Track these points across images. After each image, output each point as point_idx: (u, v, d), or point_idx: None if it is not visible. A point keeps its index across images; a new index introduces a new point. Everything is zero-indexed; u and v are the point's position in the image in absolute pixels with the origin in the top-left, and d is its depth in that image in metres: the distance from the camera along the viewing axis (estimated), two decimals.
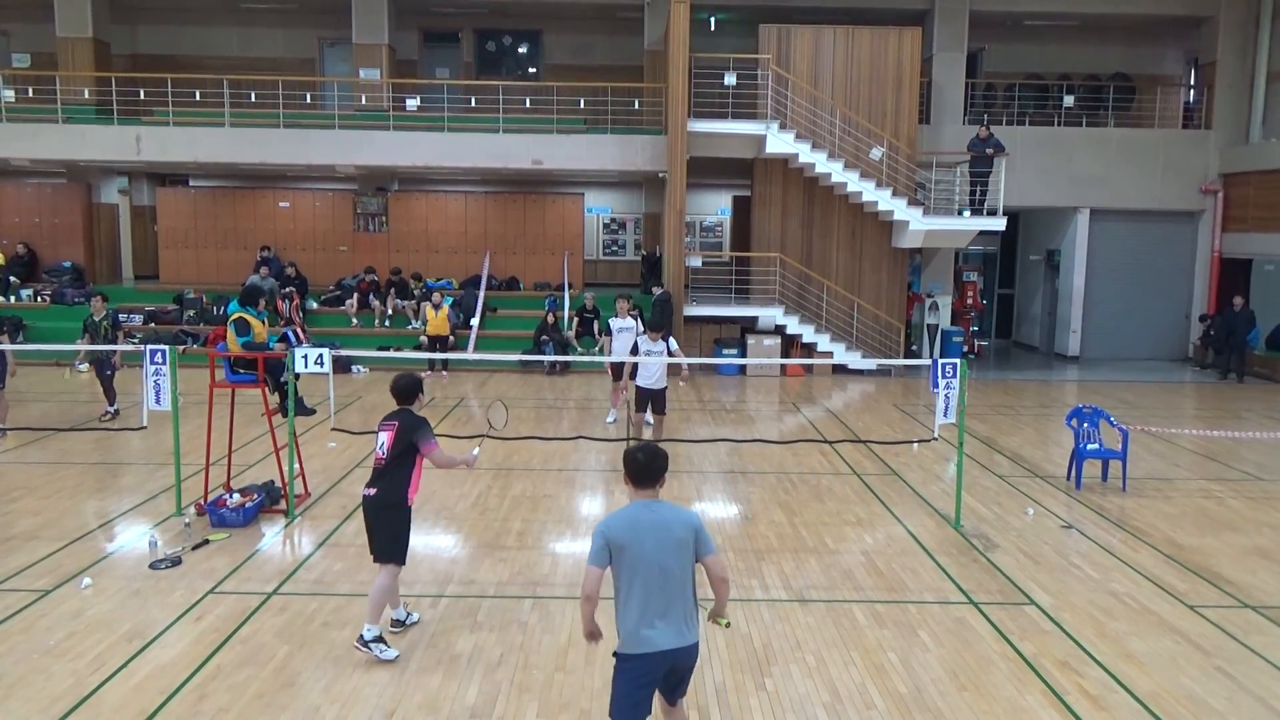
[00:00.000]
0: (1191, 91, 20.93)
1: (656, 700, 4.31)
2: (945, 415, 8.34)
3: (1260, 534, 8.52)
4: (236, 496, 8.34)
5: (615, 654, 4.16)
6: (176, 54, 21.60)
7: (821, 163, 17.01)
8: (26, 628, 6.09)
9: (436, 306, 17.19)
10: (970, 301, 20.51)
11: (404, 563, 6.00)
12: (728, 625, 4.51)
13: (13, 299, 19.12)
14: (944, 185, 18.15)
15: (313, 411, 12.59)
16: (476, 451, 6.22)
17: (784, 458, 10.94)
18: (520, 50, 22.76)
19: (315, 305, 19.11)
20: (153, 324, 18.41)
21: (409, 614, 6.27)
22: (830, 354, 17.45)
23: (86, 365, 16.07)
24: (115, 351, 11.98)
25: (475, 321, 18.33)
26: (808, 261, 18.02)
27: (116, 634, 6.01)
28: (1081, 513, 9.08)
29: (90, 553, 7.46)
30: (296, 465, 8.70)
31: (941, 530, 8.46)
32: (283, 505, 8.53)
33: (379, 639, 5.74)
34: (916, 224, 17.06)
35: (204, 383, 8.59)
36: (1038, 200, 19.49)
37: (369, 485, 5.84)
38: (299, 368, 8.21)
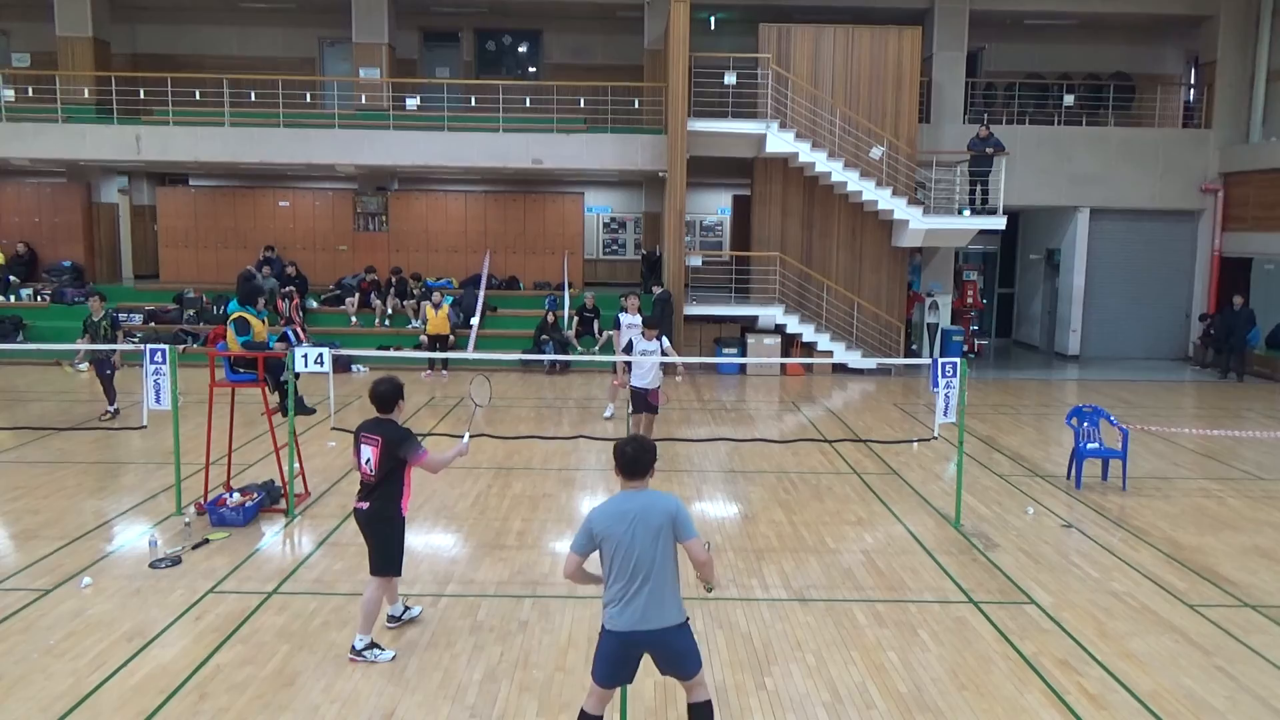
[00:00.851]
0: (1191, 91, 20.92)
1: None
2: (945, 414, 8.34)
3: (1260, 533, 8.52)
4: (236, 496, 8.34)
5: (602, 627, 4.39)
6: (176, 54, 21.60)
7: (821, 162, 17.01)
8: (26, 627, 6.09)
9: (436, 306, 17.19)
10: (970, 301, 20.51)
11: (399, 574, 5.98)
12: (710, 590, 4.67)
13: (13, 298, 19.12)
14: (944, 184, 18.14)
15: (313, 411, 12.59)
16: (467, 438, 6.09)
17: (784, 457, 10.94)
18: (520, 50, 22.76)
19: (315, 304, 19.11)
20: (153, 323, 18.41)
21: (406, 608, 6.26)
22: (830, 353, 17.45)
23: (86, 365, 16.08)
24: (115, 351, 11.98)
25: (475, 321, 18.32)
26: (808, 261, 18.02)
27: (116, 633, 6.01)
28: (1081, 512, 9.08)
29: (90, 552, 7.46)
30: (296, 464, 8.70)
31: (941, 529, 8.46)
32: (283, 504, 8.53)
33: (371, 646, 5.73)
34: (916, 223, 17.06)
35: (204, 382, 8.58)
36: (1037, 199, 19.49)
37: (360, 499, 5.75)
38: (299, 367, 8.21)
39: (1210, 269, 19.85)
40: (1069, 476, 10.09)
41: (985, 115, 18.67)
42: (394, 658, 5.75)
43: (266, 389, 9.03)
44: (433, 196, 21.09)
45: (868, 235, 18.07)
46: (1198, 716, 5.25)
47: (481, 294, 19.03)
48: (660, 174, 18.74)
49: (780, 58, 17.37)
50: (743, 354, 17.27)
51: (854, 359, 17.37)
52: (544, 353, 16.97)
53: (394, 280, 18.99)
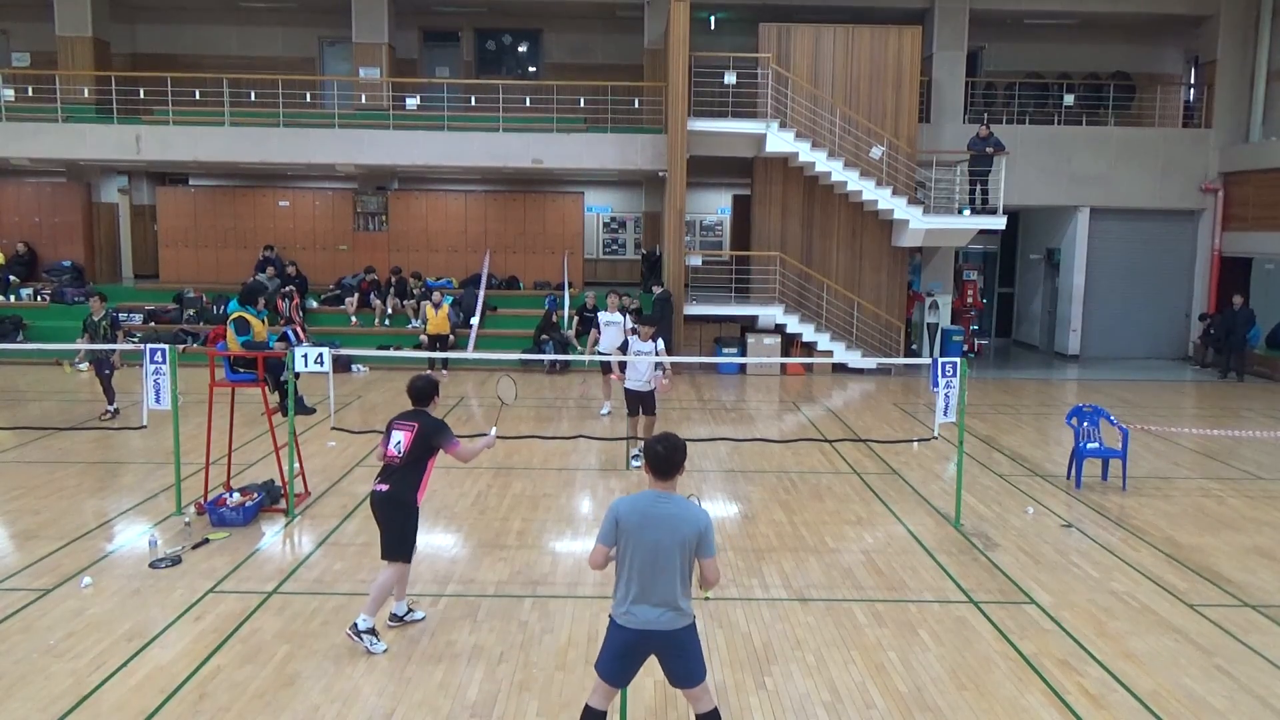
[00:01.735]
0: (1192, 90, 20.92)
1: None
2: (945, 414, 8.34)
3: (1260, 533, 8.52)
4: (236, 495, 8.34)
5: (611, 620, 4.41)
6: (176, 53, 21.60)
7: (821, 162, 17.00)
8: (26, 627, 6.09)
9: (436, 305, 17.18)
10: (970, 300, 20.51)
11: (410, 560, 6.08)
12: (707, 599, 4.88)
13: (13, 298, 19.12)
14: (944, 184, 18.14)
15: (313, 411, 12.60)
16: (494, 433, 6.56)
17: (784, 457, 10.94)
18: (520, 49, 22.75)
19: (315, 304, 19.11)
20: (153, 323, 18.41)
21: (410, 610, 6.27)
22: (830, 353, 17.45)
23: (87, 364, 16.08)
24: (114, 351, 11.97)
25: (475, 321, 18.32)
26: (808, 260, 18.02)
27: (116, 633, 6.01)
28: (1081, 512, 9.08)
29: (90, 552, 7.46)
30: (296, 464, 8.70)
31: (941, 529, 8.46)
32: (283, 504, 8.53)
33: (372, 631, 5.80)
34: (916, 223, 17.05)
35: (204, 382, 8.58)
36: (1037, 199, 19.49)
37: (380, 480, 5.91)
38: (299, 367, 8.21)
39: (1210, 269, 19.85)
40: (1069, 476, 10.09)
41: (985, 115, 18.66)
42: (385, 651, 5.78)
43: (266, 389, 9.03)
44: (433, 196, 21.09)
45: (868, 235, 18.07)
46: (1198, 716, 5.26)
47: (481, 294, 19.03)
48: (660, 174, 18.73)
49: (780, 57, 17.37)
50: (743, 354, 17.27)
51: (854, 359, 17.37)
52: (544, 353, 16.97)
53: (394, 280, 18.99)
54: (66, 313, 17.99)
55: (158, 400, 8.21)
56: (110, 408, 12.27)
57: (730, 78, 17.16)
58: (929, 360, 8.84)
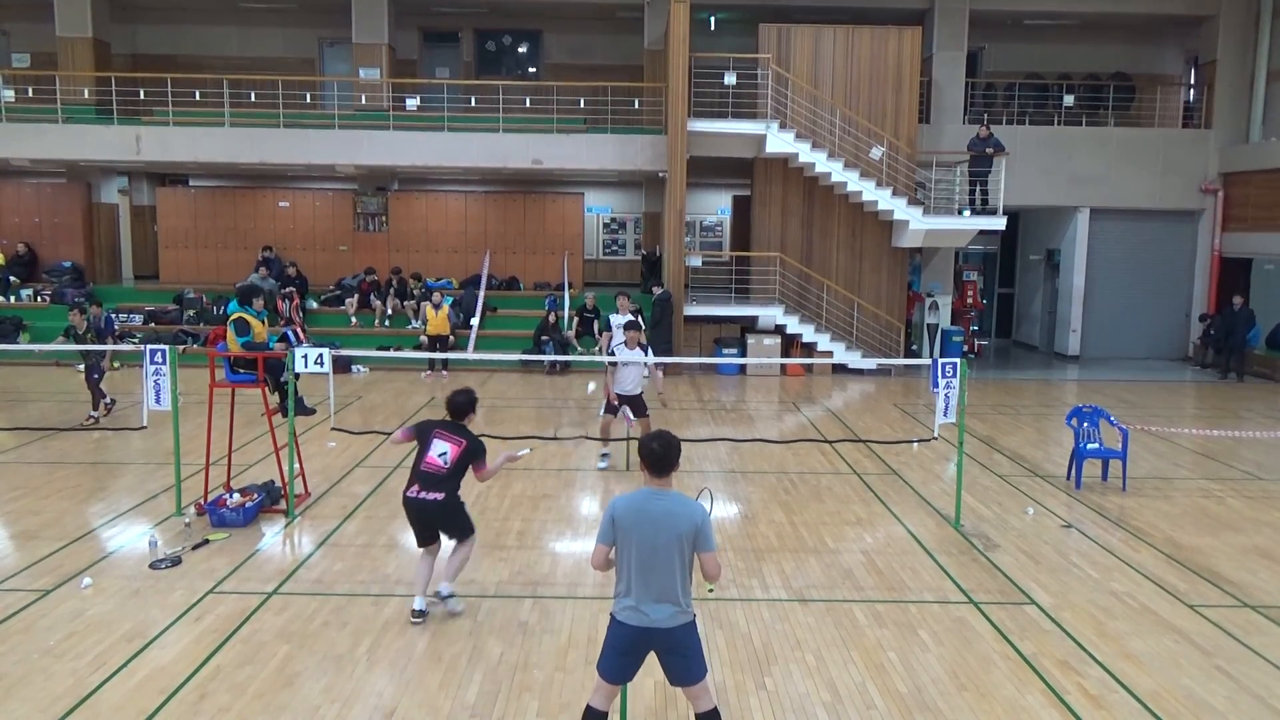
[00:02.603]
0: (1191, 91, 20.92)
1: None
2: (945, 415, 8.34)
3: (1260, 533, 8.52)
4: (236, 496, 8.34)
5: (611, 616, 4.45)
6: (176, 54, 21.60)
7: (821, 162, 17.00)
8: (26, 628, 6.09)
9: (436, 306, 17.19)
10: (970, 301, 20.50)
11: (475, 531, 6.54)
12: (711, 591, 5.27)
13: (13, 299, 19.12)
14: (944, 185, 18.14)
15: (313, 411, 12.59)
16: (526, 450, 7.11)
17: (784, 457, 10.94)
18: (520, 50, 22.76)
19: (315, 305, 19.11)
20: (153, 324, 18.41)
21: (454, 594, 6.49)
22: (830, 353, 17.45)
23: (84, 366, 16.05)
24: (104, 355, 11.93)
25: (475, 321, 18.32)
26: (808, 261, 18.02)
27: (116, 634, 6.02)
28: (1081, 512, 9.08)
29: (90, 553, 7.47)
30: (296, 465, 8.70)
31: (941, 530, 8.46)
32: (283, 505, 8.53)
33: (453, 595, 6.41)
34: (916, 223, 17.05)
35: (204, 382, 8.58)
36: (1038, 200, 19.49)
37: (428, 489, 6.13)
38: (299, 367, 8.21)
39: (1210, 269, 19.85)
40: (1069, 477, 10.09)
41: (985, 115, 18.66)
42: (462, 611, 6.37)
43: (266, 389, 9.03)
44: (433, 197, 21.09)
45: (868, 235, 18.07)
46: (1198, 716, 5.26)
47: (481, 294, 19.03)
48: (660, 174, 18.73)
49: (780, 58, 17.37)
50: (743, 354, 17.26)
51: (854, 359, 17.37)
52: (544, 353, 16.97)
53: (394, 281, 18.99)
54: (66, 314, 17.89)
55: (158, 401, 8.21)
56: (94, 414, 12.19)
57: (730, 78, 17.16)
58: (929, 361, 8.85)
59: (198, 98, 19.09)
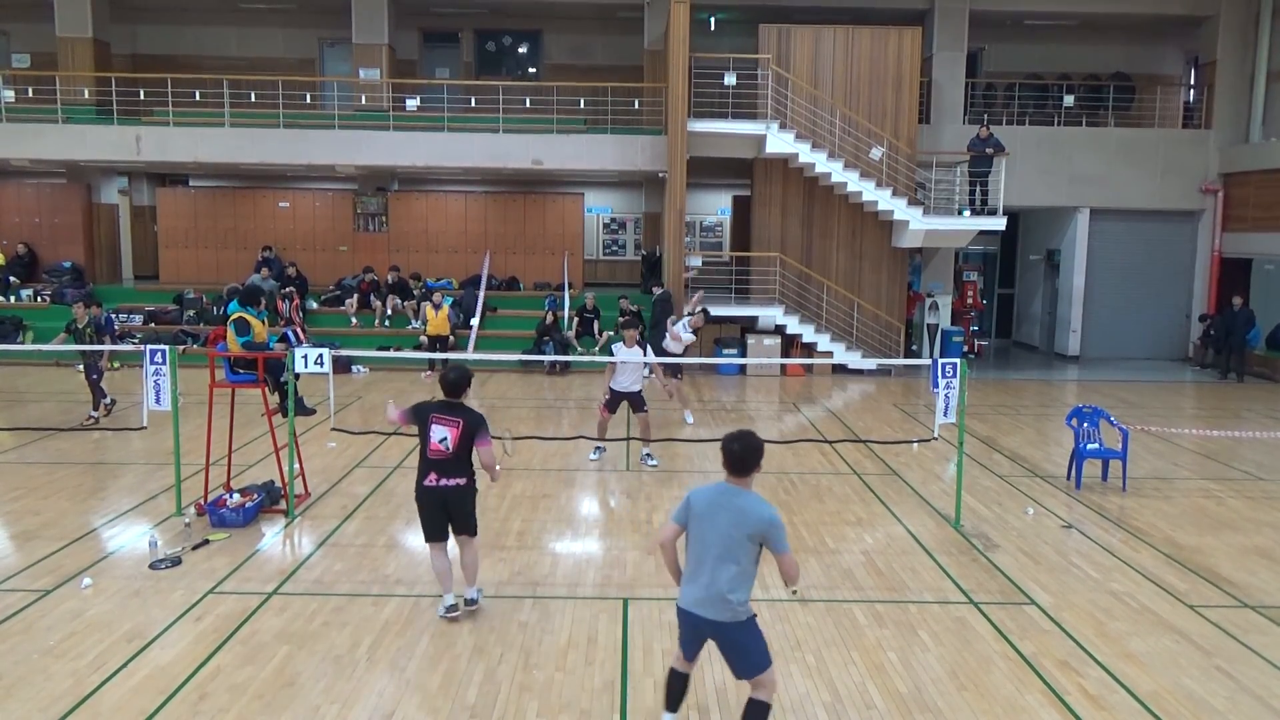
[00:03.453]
0: (1191, 91, 20.93)
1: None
2: (945, 415, 8.34)
3: (1260, 533, 8.52)
4: (236, 496, 8.34)
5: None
6: (176, 54, 21.61)
7: (821, 162, 17.01)
8: (26, 628, 6.09)
9: (436, 306, 17.19)
10: (970, 301, 20.51)
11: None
12: (795, 593, 5.80)
13: (13, 299, 19.12)
14: (944, 185, 18.15)
15: (313, 411, 12.59)
16: (507, 434, 7.07)
17: (784, 457, 10.94)
18: (520, 50, 22.77)
19: (315, 305, 19.11)
20: (153, 324, 18.41)
21: (479, 592, 6.61)
22: (830, 354, 17.45)
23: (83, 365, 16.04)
24: (102, 355, 11.92)
25: (475, 321, 18.33)
26: (808, 261, 18.02)
27: (116, 634, 6.01)
28: (1081, 512, 9.08)
29: (90, 553, 7.47)
30: (296, 465, 8.70)
31: (941, 530, 8.46)
32: (283, 505, 8.53)
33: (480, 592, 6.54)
34: (916, 224, 17.06)
35: (204, 383, 8.58)
36: (1038, 200, 19.49)
37: (446, 476, 6.13)
38: (299, 368, 8.21)
39: (1210, 269, 19.85)
40: (1069, 477, 10.09)
41: (985, 115, 18.67)
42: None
43: (266, 390, 9.03)
44: (433, 197, 21.09)
45: (868, 235, 18.07)
46: (1198, 717, 5.26)
47: (481, 294, 19.03)
48: (660, 174, 18.74)
49: (780, 58, 17.37)
50: (743, 354, 17.26)
51: (854, 359, 17.37)
52: (544, 353, 16.97)
53: (392, 280, 18.96)
54: (66, 314, 17.79)
55: (158, 401, 8.21)
56: (94, 414, 12.19)
57: (730, 79, 17.16)
58: (929, 361, 8.84)
59: (198, 98, 19.09)
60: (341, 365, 16.08)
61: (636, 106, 19.65)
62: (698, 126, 16.98)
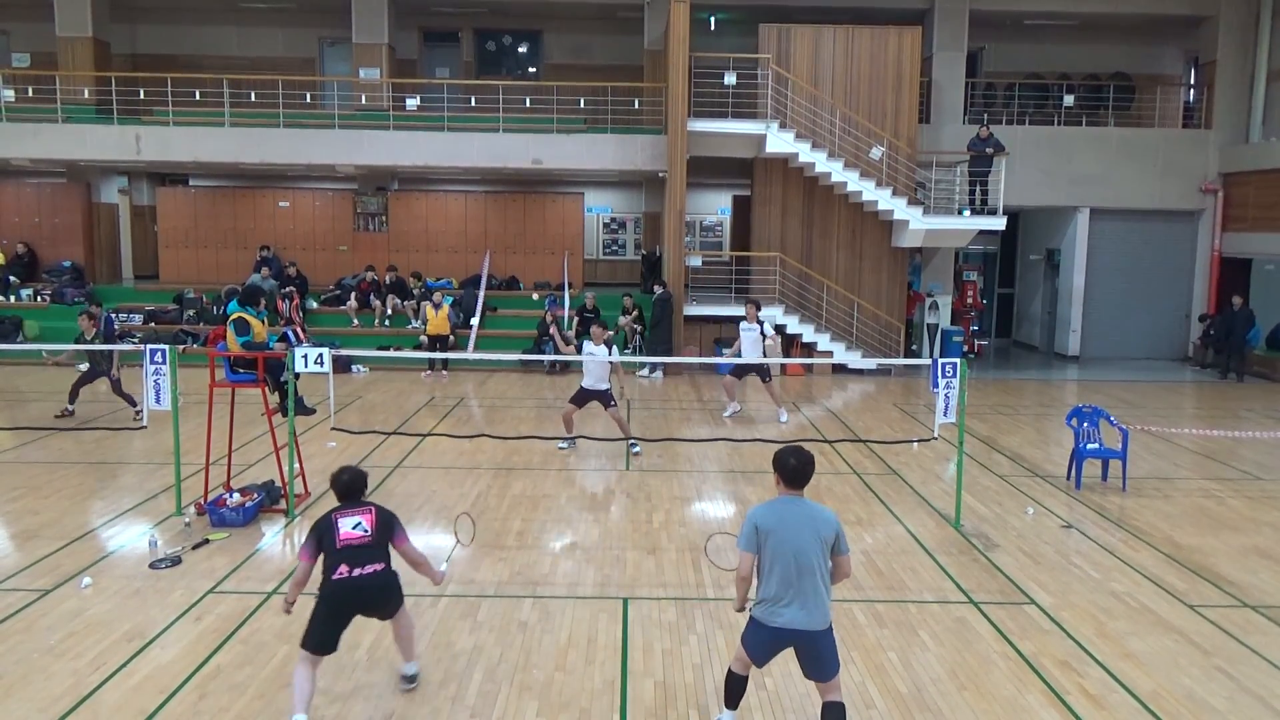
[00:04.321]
0: (1191, 91, 20.93)
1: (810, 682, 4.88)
2: (945, 415, 8.34)
3: (1260, 533, 8.52)
4: (236, 496, 8.34)
5: (750, 613, 4.72)
6: (176, 54, 21.61)
7: (821, 162, 17.00)
8: (26, 627, 6.10)
9: (437, 306, 17.19)
10: (970, 301, 20.51)
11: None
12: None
13: (13, 299, 19.12)
14: (944, 185, 18.14)
15: (313, 411, 12.59)
16: (445, 568, 5.77)
17: None
18: (520, 50, 22.76)
19: (315, 305, 19.11)
20: (153, 324, 18.41)
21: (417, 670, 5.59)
22: (830, 353, 17.45)
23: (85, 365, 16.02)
24: (113, 363, 11.98)
25: (475, 321, 18.33)
26: (808, 261, 18.02)
27: (116, 633, 6.02)
28: (1081, 512, 9.08)
29: (90, 552, 7.47)
30: (296, 465, 8.70)
31: (941, 530, 8.46)
32: (283, 505, 8.53)
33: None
34: (916, 223, 17.05)
35: (204, 382, 8.59)
36: (1038, 200, 19.49)
37: (361, 564, 5.04)
38: (299, 367, 8.21)
39: (1210, 269, 19.85)
40: (1069, 477, 10.09)
41: (985, 115, 18.67)
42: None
43: (266, 389, 9.03)
44: (433, 196, 21.09)
45: (868, 235, 18.07)
46: (1198, 716, 5.26)
47: (481, 294, 19.03)
48: (660, 174, 18.73)
49: (780, 58, 17.37)
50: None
51: (854, 359, 17.36)
52: (544, 353, 16.97)
53: (390, 280, 18.94)
54: (66, 313, 17.97)
55: (158, 401, 8.21)
56: (69, 407, 12.25)
57: (730, 78, 17.15)
58: (929, 361, 8.85)
59: (198, 98, 19.10)
60: (341, 365, 16.08)
61: (636, 106, 19.65)
62: (698, 126, 16.98)
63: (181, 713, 5.11)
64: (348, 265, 20.43)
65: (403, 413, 13.14)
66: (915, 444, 11.59)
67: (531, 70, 22.59)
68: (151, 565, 7.17)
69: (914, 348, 19.25)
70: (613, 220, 24.61)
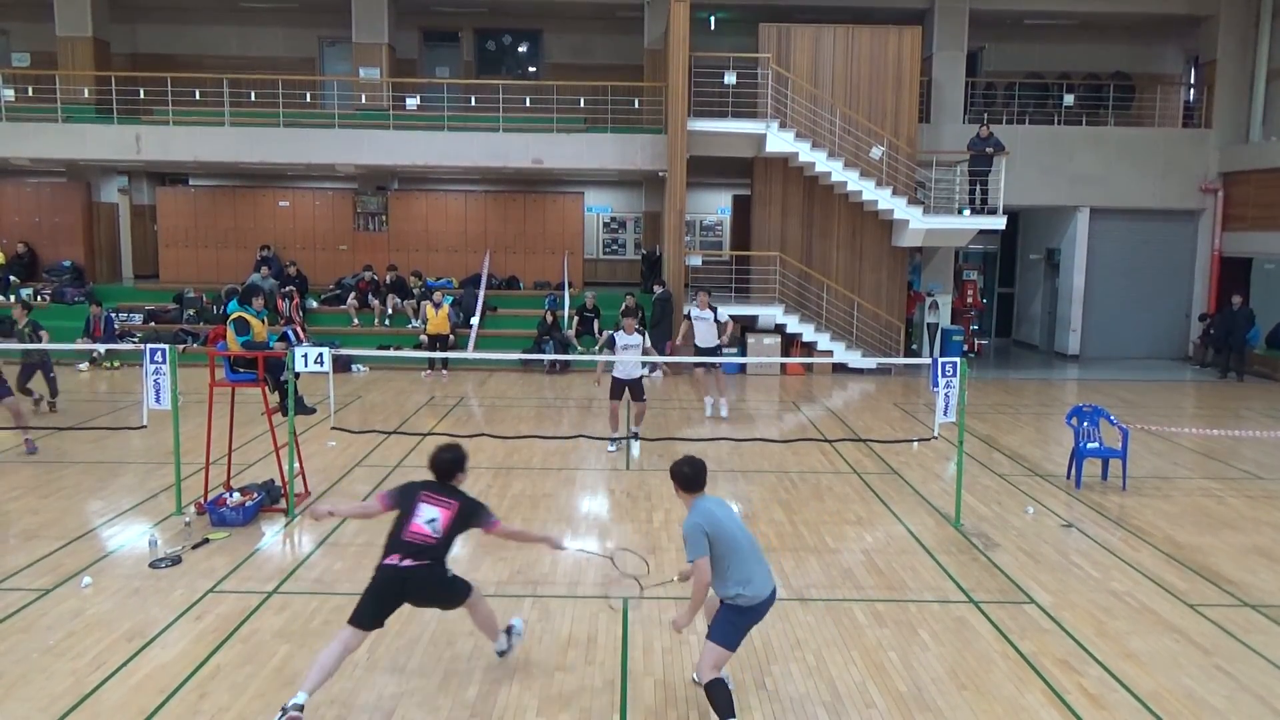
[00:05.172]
0: (1191, 90, 20.92)
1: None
2: (945, 414, 8.34)
3: (1260, 532, 8.52)
4: (236, 495, 8.34)
5: (735, 607, 4.95)
6: (176, 53, 21.61)
7: (821, 162, 17.00)
8: (26, 627, 6.10)
9: (437, 305, 17.19)
10: (970, 300, 20.51)
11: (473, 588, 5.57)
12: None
13: (12, 298, 19.10)
14: (944, 184, 18.14)
15: (313, 410, 12.59)
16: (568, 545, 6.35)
17: (784, 456, 10.94)
18: (520, 49, 22.76)
19: (315, 304, 19.12)
20: (153, 323, 18.42)
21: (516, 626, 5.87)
22: (830, 353, 17.45)
23: (86, 364, 16.03)
24: (40, 352, 11.97)
25: (475, 321, 18.33)
26: (808, 260, 18.02)
27: (116, 633, 6.02)
28: (1081, 511, 9.08)
29: (90, 552, 7.47)
30: (296, 464, 8.70)
31: (941, 529, 8.46)
32: (283, 504, 8.53)
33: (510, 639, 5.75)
34: (916, 223, 17.05)
35: (204, 382, 8.59)
36: (1037, 199, 19.49)
37: (410, 557, 5.11)
38: (299, 367, 8.21)
39: (1210, 269, 19.85)
40: (1069, 476, 10.09)
41: (985, 115, 18.66)
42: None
43: (266, 389, 9.03)
44: (433, 196, 21.09)
45: (868, 235, 18.06)
46: (1198, 716, 5.26)
47: (481, 294, 19.03)
48: (660, 174, 18.73)
49: (780, 58, 17.36)
50: (743, 353, 17.25)
51: (854, 359, 17.36)
52: (544, 353, 16.97)
53: (390, 279, 18.94)
54: (67, 313, 17.99)
55: (158, 400, 8.21)
56: (37, 396, 12.29)
57: (730, 78, 17.15)
58: (929, 360, 8.84)
59: (198, 97, 19.10)
60: (341, 364, 16.08)
61: (636, 106, 19.65)
62: (698, 126, 16.98)
63: (181, 712, 5.11)
64: (348, 265, 20.43)
65: (403, 412, 13.15)
66: (915, 443, 11.59)
67: (531, 70, 22.59)
68: (152, 565, 7.17)
69: (914, 347, 19.26)
70: (613, 220, 24.61)
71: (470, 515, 5.34)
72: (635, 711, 5.22)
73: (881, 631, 6.26)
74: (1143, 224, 20.04)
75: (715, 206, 24.50)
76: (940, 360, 8.36)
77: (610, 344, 11.20)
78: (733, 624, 4.98)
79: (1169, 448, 11.89)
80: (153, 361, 8.16)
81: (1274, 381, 17.59)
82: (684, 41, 16.59)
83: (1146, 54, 21.49)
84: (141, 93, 19.20)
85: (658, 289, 17.44)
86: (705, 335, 12.86)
